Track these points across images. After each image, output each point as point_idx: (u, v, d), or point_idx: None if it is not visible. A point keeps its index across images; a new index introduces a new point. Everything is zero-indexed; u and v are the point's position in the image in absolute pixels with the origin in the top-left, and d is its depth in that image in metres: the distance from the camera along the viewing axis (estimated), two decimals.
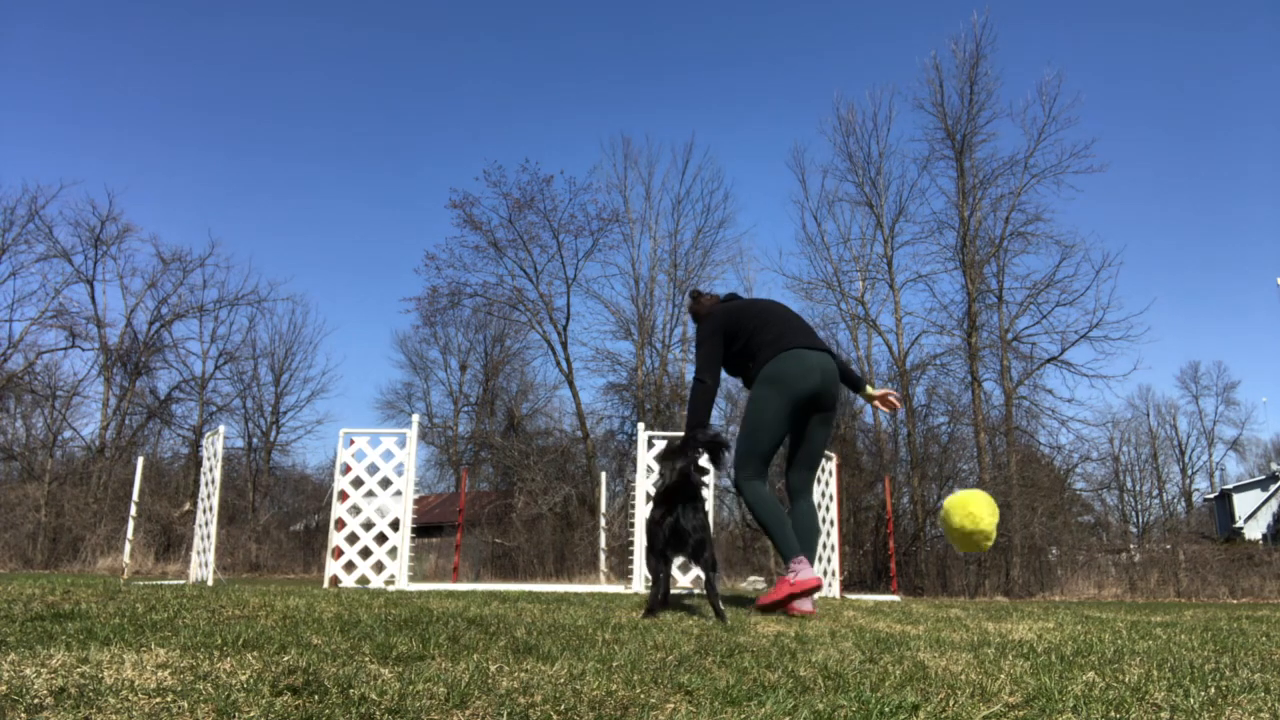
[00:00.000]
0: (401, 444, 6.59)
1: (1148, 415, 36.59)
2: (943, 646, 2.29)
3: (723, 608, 3.04)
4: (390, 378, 61.46)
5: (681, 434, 3.81)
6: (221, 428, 7.79)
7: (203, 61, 40.41)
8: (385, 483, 6.60)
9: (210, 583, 6.86)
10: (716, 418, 18.12)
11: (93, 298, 22.57)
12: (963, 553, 4.74)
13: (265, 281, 35.67)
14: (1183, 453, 37.22)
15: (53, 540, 17.30)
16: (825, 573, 7.45)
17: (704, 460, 3.24)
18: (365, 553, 6.43)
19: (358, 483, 6.53)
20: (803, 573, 3.50)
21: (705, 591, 3.37)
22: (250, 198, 42.62)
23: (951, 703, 1.47)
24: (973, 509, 4.04)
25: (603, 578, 11.57)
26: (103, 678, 1.45)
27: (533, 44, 45.18)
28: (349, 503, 6.48)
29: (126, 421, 22.78)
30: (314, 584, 7.27)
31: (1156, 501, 35.91)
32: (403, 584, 6.19)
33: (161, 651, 1.74)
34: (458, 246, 20.81)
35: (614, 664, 1.78)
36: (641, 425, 6.86)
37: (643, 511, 6.33)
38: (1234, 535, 25.68)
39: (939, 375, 18.36)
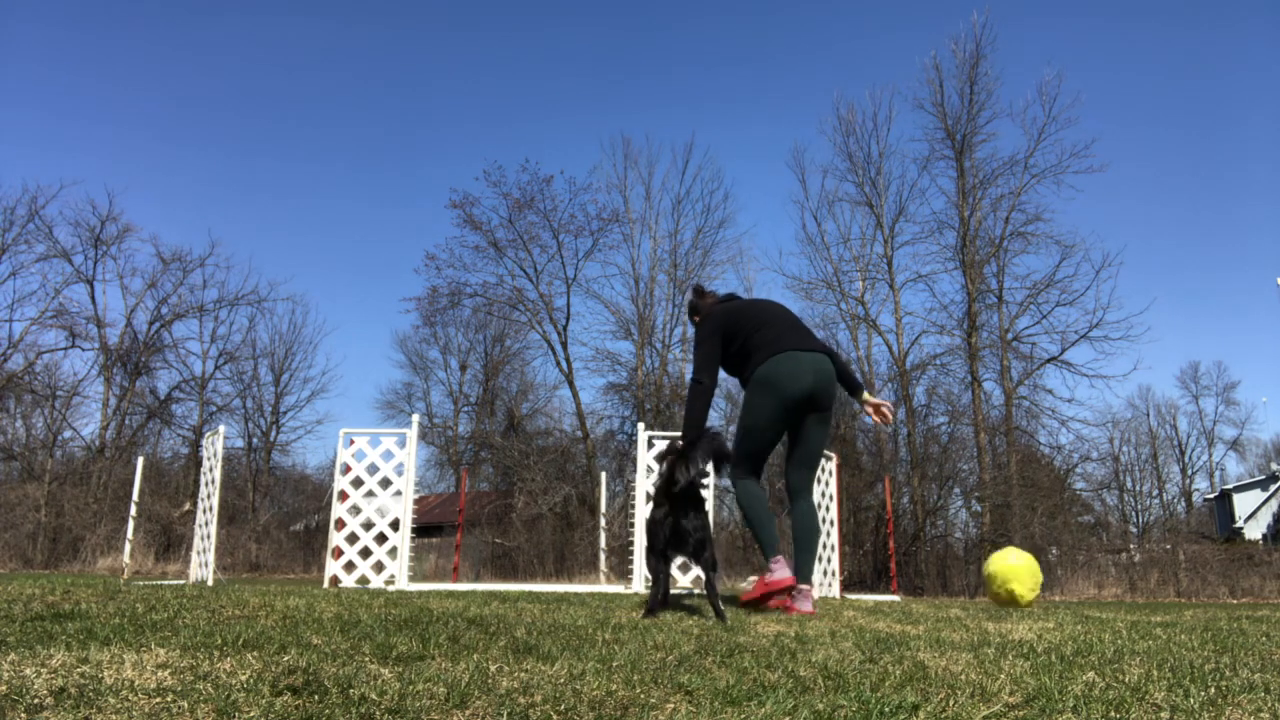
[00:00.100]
0: (401, 444, 6.59)
1: (1148, 415, 36.61)
2: (943, 646, 2.29)
3: (723, 608, 3.04)
4: (390, 378, 61.49)
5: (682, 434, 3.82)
6: (221, 428, 7.79)
7: (203, 61, 40.43)
8: (385, 483, 6.60)
9: (210, 583, 6.86)
10: (716, 418, 18.14)
11: (93, 298, 22.60)
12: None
13: (265, 281, 35.68)
14: (1183, 453, 37.25)
15: (53, 540, 17.31)
16: (825, 573, 7.45)
17: (708, 466, 3.26)
18: (365, 553, 6.43)
19: (358, 483, 6.53)
20: (779, 572, 3.65)
21: (705, 591, 3.37)
22: (250, 198, 42.64)
23: (951, 703, 1.47)
24: (1013, 586, 4.41)
25: (603, 578, 11.57)
26: (103, 678, 1.45)
27: (533, 44, 45.21)
28: (349, 503, 6.48)
29: (126, 421, 22.79)
30: (314, 584, 7.27)
31: (1156, 501, 35.93)
32: (403, 584, 6.19)
33: (161, 651, 1.74)
34: (458, 246, 20.82)
35: (614, 664, 1.78)
36: (641, 425, 6.86)
37: (643, 511, 6.33)
38: (1234, 535, 25.68)
39: (939, 375, 18.39)
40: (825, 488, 7.61)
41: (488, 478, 25.18)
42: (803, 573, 3.78)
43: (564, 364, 20.49)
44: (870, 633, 2.67)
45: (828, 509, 7.60)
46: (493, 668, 1.70)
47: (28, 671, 1.47)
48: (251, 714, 1.28)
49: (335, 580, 6.34)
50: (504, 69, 44.84)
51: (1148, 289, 51.58)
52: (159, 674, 1.51)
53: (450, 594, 4.36)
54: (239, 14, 41.10)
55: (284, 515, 23.24)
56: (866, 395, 4.06)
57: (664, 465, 3.35)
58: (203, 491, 7.87)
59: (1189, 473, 37.13)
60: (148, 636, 1.99)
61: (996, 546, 15.01)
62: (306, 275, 48.90)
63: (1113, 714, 1.43)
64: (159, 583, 6.10)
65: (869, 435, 18.41)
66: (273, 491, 24.72)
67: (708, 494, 5.67)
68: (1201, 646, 2.48)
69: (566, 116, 42.56)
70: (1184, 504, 35.63)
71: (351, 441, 6.64)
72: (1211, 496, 32.78)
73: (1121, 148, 40.83)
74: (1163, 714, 1.44)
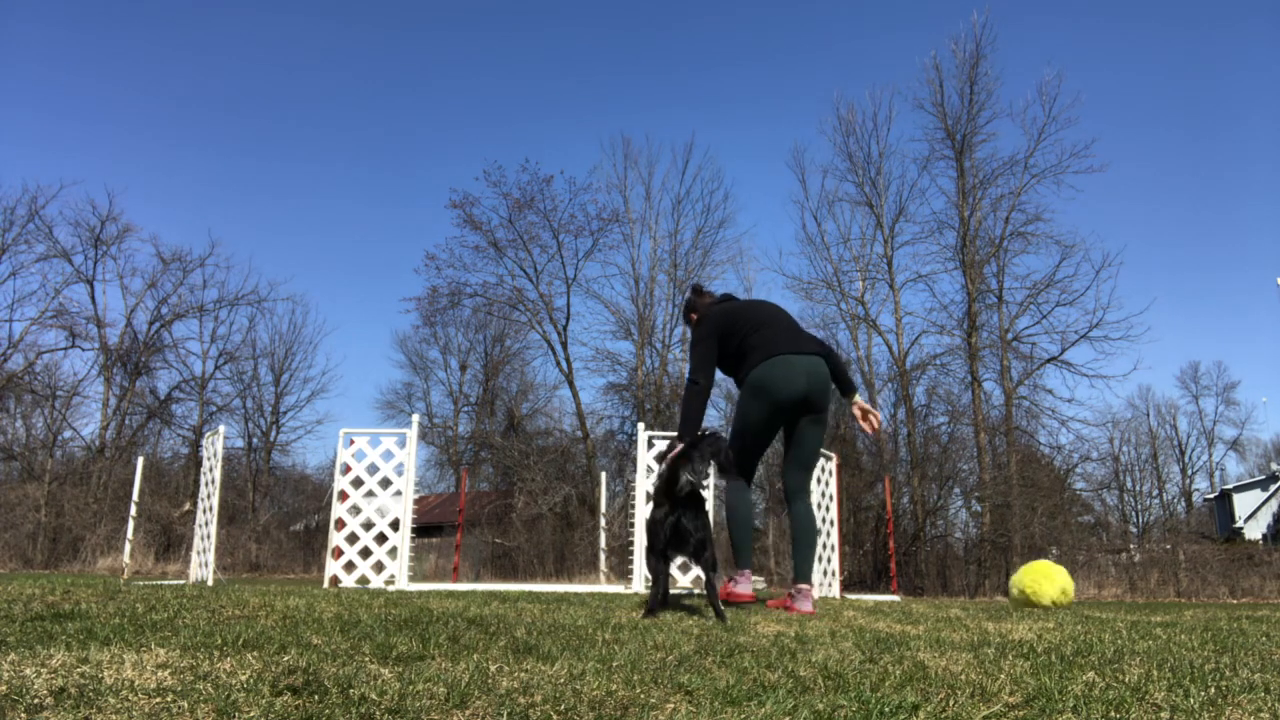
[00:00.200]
0: (401, 444, 6.59)
1: (1148, 415, 36.60)
2: (943, 646, 2.29)
3: (723, 608, 3.04)
4: (390, 378, 61.49)
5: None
6: (221, 428, 7.79)
7: (203, 61, 40.44)
8: (385, 483, 6.60)
9: (210, 583, 6.86)
10: (717, 418, 18.14)
11: (93, 298, 22.61)
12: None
13: (265, 281, 35.64)
14: (1183, 453, 37.25)
15: (53, 540, 17.31)
16: (825, 573, 7.45)
17: (710, 468, 3.27)
18: (365, 553, 6.43)
19: (358, 483, 6.53)
20: (743, 585, 3.81)
21: (705, 591, 3.37)
22: (250, 198, 42.65)
23: (951, 703, 1.47)
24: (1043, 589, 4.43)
25: (603, 578, 11.57)
26: (103, 678, 1.45)
27: (533, 44, 45.21)
28: (349, 503, 6.48)
29: (126, 421, 22.79)
30: (314, 584, 7.27)
31: (1156, 501, 35.92)
32: (403, 584, 6.19)
33: (161, 651, 1.74)
34: (458, 246, 20.84)
35: (614, 664, 1.78)
36: (641, 425, 6.86)
37: (643, 511, 6.33)
38: (1234, 535, 25.68)
39: (939, 375, 18.39)
40: (825, 488, 7.61)
41: (488, 478, 25.20)
42: (802, 572, 3.80)
43: (564, 364, 20.51)
44: (870, 633, 2.67)
45: (828, 509, 7.60)
46: (493, 668, 1.70)
47: (28, 671, 1.47)
48: (251, 714, 1.28)
49: (335, 580, 6.34)
50: (504, 69, 44.87)
51: (1148, 289, 51.62)
52: (159, 674, 1.51)
53: (450, 594, 4.36)
54: (239, 14, 41.14)
55: (284, 515, 23.24)
56: (857, 399, 4.07)
57: (665, 466, 3.35)
58: (203, 491, 7.87)
59: (1189, 473, 37.15)
60: (148, 636, 1.99)
61: (996, 546, 15.06)
62: (306, 275, 48.97)
63: (1113, 714, 1.43)
64: (159, 583, 6.10)
65: (869, 435, 18.41)
66: (273, 491, 24.73)
67: (708, 494, 5.67)
68: (1201, 646, 2.48)
69: (566, 116, 42.59)
70: (1184, 504, 35.65)
71: (351, 441, 6.64)
72: (1211, 496, 32.78)
73: (1121, 148, 40.86)
74: (1163, 714, 1.44)
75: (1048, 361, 17.60)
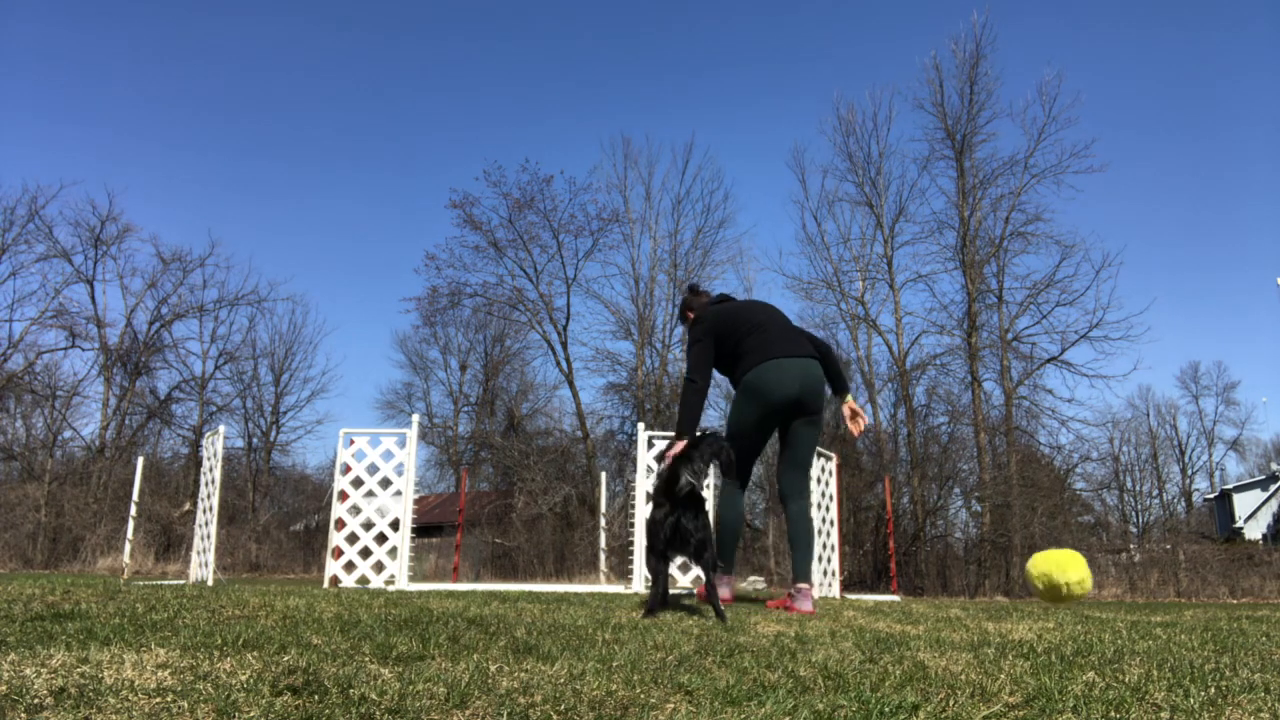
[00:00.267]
0: (401, 444, 6.59)
1: (1148, 415, 36.60)
2: (943, 646, 2.29)
3: (723, 608, 3.04)
4: (390, 378, 61.49)
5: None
6: (221, 428, 7.79)
7: (202, 61, 40.43)
8: (385, 483, 6.60)
9: (210, 583, 6.86)
10: (716, 418, 18.13)
11: (93, 298, 22.61)
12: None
13: (265, 281, 35.60)
14: (1183, 453, 37.24)
15: (53, 540, 17.31)
16: (825, 573, 7.45)
17: (710, 469, 3.28)
18: (365, 553, 6.43)
19: (358, 483, 6.53)
20: (720, 589, 3.86)
21: (705, 591, 3.37)
22: (250, 198, 42.64)
23: (951, 703, 1.47)
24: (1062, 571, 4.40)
25: (603, 578, 11.57)
26: (103, 678, 1.45)
27: (533, 44, 45.20)
28: (349, 503, 6.48)
29: (126, 421, 22.80)
30: (314, 584, 7.27)
31: (1156, 501, 35.92)
32: (403, 584, 6.19)
33: (161, 651, 1.74)
34: (458, 246, 20.84)
35: (614, 664, 1.78)
36: (641, 425, 6.86)
37: (643, 511, 6.33)
38: (1234, 535, 25.68)
39: (939, 375, 18.39)
40: (825, 488, 7.61)
41: (488, 478, 25.19)
42: (801, 572, 3.84)
43: (564, 364, 20.51)
44: (870, 633, 2.67)
45: (828, 509, 7.60)
46: (493, 668, 1.70)
47: (28, 671, 1.47)
48: (251, 714, 1.28)
49: (335, 580, 6.34)
50: (504, 69, 44.85)
51: (1148, 289, 51.63)
52: (159, 674, 1.51)
53: (450, 594, 4.36)
54: (238, 14, 41.12)
55: (284, 515, 23.24)
56: (849, 399, 4.12)
57: (665, 465, 3.36)
58: (203, 491, 7.87)
59: (1189, 473, 37.15)
60: (148, 636, 1.99)
61: (996, 546, 15.06)
62: (306, 275, 48.96)
63: (1113, 714, 1.43)
64: (159, 583, 6.10)
65: (869, 435, 18.42)
66: (273, 491, 24.73)
67: (708, 494, 5.67)
68: (1201, 646, 2.48)
69: (566, 116, 42.59)
70: (1184, 504, 35.65)
71: (351, 441, 6.64)
72: (1211, 496, 32.78)
73: (1121, 148, 40.86)
74: (1163, 714, 1.44)
75: (1048, 361, 17.62)
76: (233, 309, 24.70)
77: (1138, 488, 35.41)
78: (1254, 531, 27.06)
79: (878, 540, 15.15)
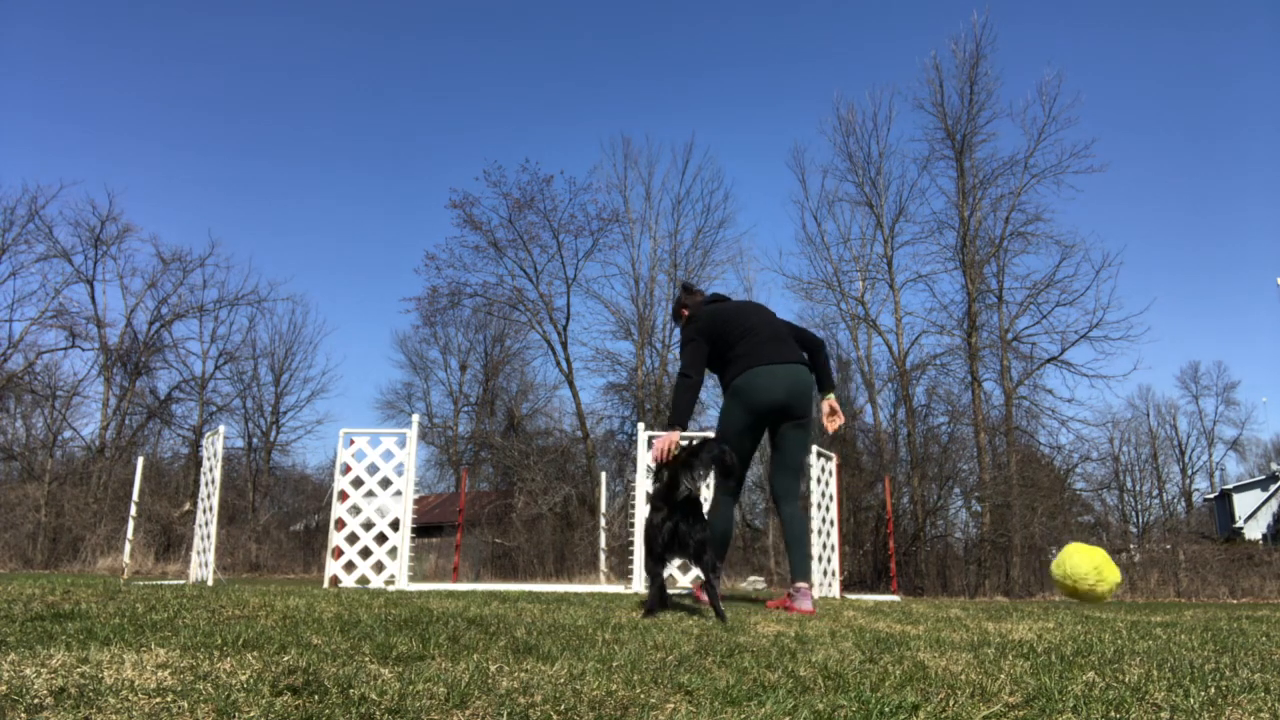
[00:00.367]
0: (401, 444, 6.59)
1: (1148, 415, 36.59)
2: (943, 646, 2.29)
3: (723, 608, 3.05)
4: (390, 378, 61.47)
5: (686, 435, 3.94)
6: (221, 428, 7.79)
7: (202, 62, 40.42)
8: (385, 483, 6.60)
9: (210, 583, 6.86)
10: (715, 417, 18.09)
11: (93, 298, 22.60)
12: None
13: (265, 281, 35.63)
14: (1183, 453, 37.23)
15: (53, 540, 17.30)
16: (825, 573, 7.45)
17: (710, 473, 3.31)
18: (365, 553, 6.43)
19: (358, 483, 6.53)
20: (704, 595, 3.85)
21: (705, 592, 3.38)
22: (250, 198, 42.62)
23: (951, 703, 1.47)
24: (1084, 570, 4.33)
25: (603, 578, 11.57)
26: (103, 678, 1.45)
27: (533, 44, 45.18)
28: (349, 503, 6.48)
29: (126, 421, 22.79)
30: (314, 584, 7.27)
31: (1156, 501, 35.90)
32: (403, 584, 6.19)
33: (161, 651, 1.74)
34: (458, 246, 20.86)
35: (614, 664, 1.78)
36: (641, 425, 6.86)
37: (643, 512, 6.33)
38: (1234, 535, 25.67)
39: (939, 375, 18.39)
40: (825, 488, 7.61)
41: (488, 478, 25.19)
42: (799, 570, 3.89)
43: (564, 364, 20.51)
44: (870, 633, 2.67)
45: (828, 509, 7.60)
46: (493, 668, 1.70)
47: (28, 671, 1.47)
48: (251, 714, 1.28)
49: (335, 580, 6.34)
50: (504, 69, 44.84)
51: (1148, 289, 51.59)
52: (159, 674, 1.51)
53: (450, 594, 4.36)
54: (238, 14, 41.12)
55: (284, 515, 23.24)
56: (830, 398, 4.18)
57: (656, 458, 3.38)
58: (203, 491, 7.87)
59: (1189, 473, 37.14)
60: (148, 636, 1.99)
61: (996, 546, 15.06)
62: (306, 275, 48.87)
63: (1113, 714, 1.43)
64: (159, 583, 6.10)
65: (869, 435, 18.43)
66: (273, 491, 24.73)
67: (706, 493, 5.67)
68: (1201, 646, 2.48)
69: (566, 116, 42.56)
70: (1184, 504, 35.63)
71: (351, 441, 6.64)
72: (1211, 496, 32.77)
73: (1121, 148, 40.84)
74: (1163, 714, 1.44)
75: (1048, 361, 17.61)
76: (233, 309, 24.73)
77: (1138, 488, 35.42)
78: (1254, 531, 27.05)
79: (878, 540, 15.15)
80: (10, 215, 21.19)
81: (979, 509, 16.25)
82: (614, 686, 1.54)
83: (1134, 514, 33.59)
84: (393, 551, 6.37)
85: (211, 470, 7.65)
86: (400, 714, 1.32)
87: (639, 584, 6.27)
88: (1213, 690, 1.63)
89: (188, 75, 39.97)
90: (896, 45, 40.56)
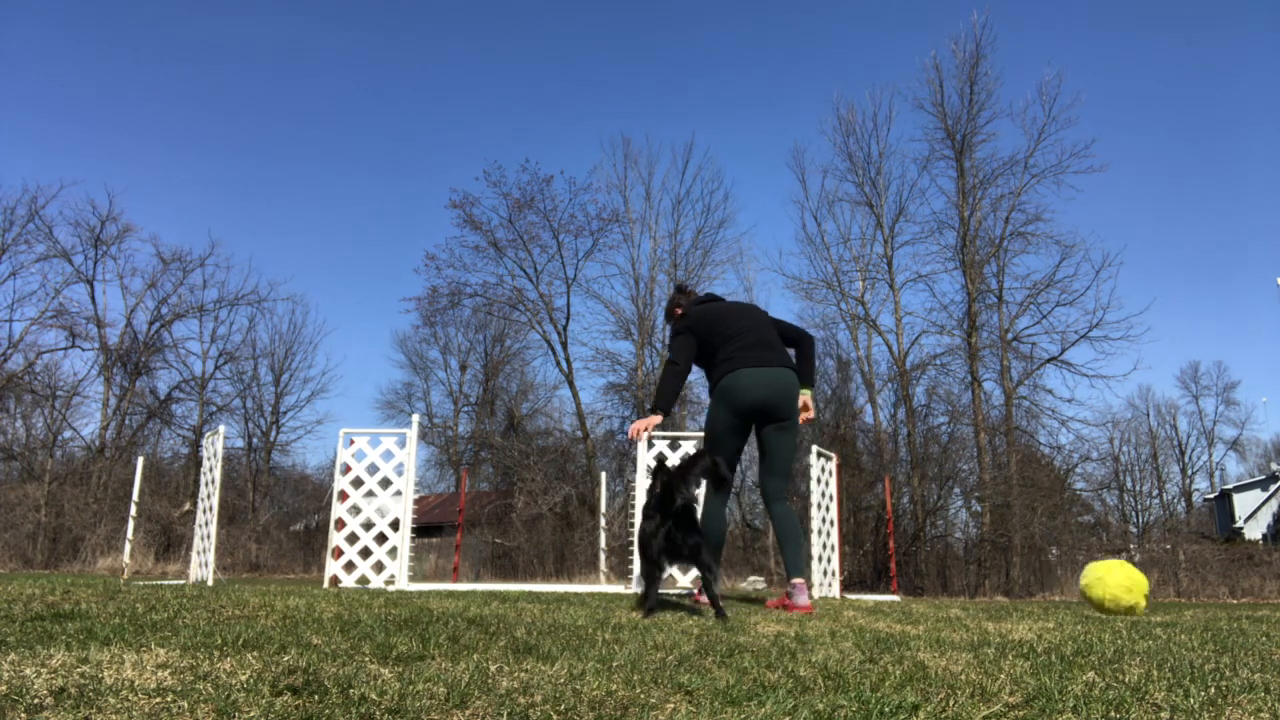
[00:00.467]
0: (401, 444, 6.59)
1: (1148, 415, 36.60)
2: (943, 646, 2.29)
3: (723, 608, 3.05)
4: (390, 378, 61.48)
5: (681, 435, 3.97)
6: (221, 428, 7.79)
7: (203, 62, 40.43)
8: (385, 483, 6.60)
9: (210, 583, 6.86)
10: None
11: (93, 298, 22.61)
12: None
13: (265, 281, 35.63)
14: (1183, 453, 37.24)
15: (53, 540, 17.30)
16: (825, 573, 7.45)
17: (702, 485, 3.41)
18: (365, 553, 6.43)
19: (358, 483, 6.53)
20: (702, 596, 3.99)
21: (705, 593, 3.38)
22: (250, 198, 42.64)
23: (951, 703, 1.47)
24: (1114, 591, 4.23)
25: (603, 578, 11.57)
26: (103, 678, 1.45)
27: (533, 44, 45.19)
28: (349, 503, 6.48)
29: (126, 421, 22.79)
30: (314, 584, 7.27)
31: (1156, 501, 35.91)
32: (403, 584, 6.19)
33: (161, 651, 1.74)
34: (458, 246, 20.84)
35: (614, 664, 1.78)
36: None
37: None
38: (1234, 535, 25.67)
39: (939, 375, 18.39)
40: (825, 488, 7.61)
41: (488, 478, 25.19)
42: (794, 568, 3.92)
43: (564, 364, 20.51)
44: (870, 633, 2.67)
45: (828, 509, 7.60)
46: (493, 668, 1.70)
47: (28, 671, 1.47)
48: (251, 714, 1.28)
49: (335, 580, 6.34)
50: (504, 69, 44.85)
51: (1148, 289, 51.59)
52: (159, 674, 1.51)
53: (450, 594, 4.36)
54: (239, 14, 41.12)
55: (284, 515, 23.24)
56: (805, 394, 4.25)
57: (656, 479, 3.39)
58: (203, 491, 7.87)
59: (1189, 473, 37.15)
60: (148, 636, 1.99)
61: (996, 546, 15.06)
62: (306, 275, 48.91)
63: (1113, 714, 1.43)
64: (159, 583, 6.10)
65: (869, 435, 18.43)
66: (273, 491, 24.73)
67: (702, 493, 5.67)
68: (1201, 646, 2.48)
69: (566, 116, 42.59)
70: (1184, 504, 35.64)
71: (351, 441, 6.64)
72: (1211, 496, 32.78)
73: (1121, 148, 40.86)
74: (1163, 714, 1.44)
75: (1048, 361, 17.61)
76: (233, 309, 24.74)
77: (1138, 488, 35.44)
78: (1254, 531, 27.06)
79: (878, 540, 15.15)
80: (10, 215, 21.22)
81: (979, 509, 16.25)
82: (614, 686, 1.54)
83: (1134, 514, 33.63)
84: (393, 551, 6.37)
85: (211, 470, 7.65)
86: (400, 714, 1.32)
87: (638, 585, 6.27)
88: (1213, 690, 1.63)
89: (188, 75, 40.00)
90: (896, 45, 40.59)
